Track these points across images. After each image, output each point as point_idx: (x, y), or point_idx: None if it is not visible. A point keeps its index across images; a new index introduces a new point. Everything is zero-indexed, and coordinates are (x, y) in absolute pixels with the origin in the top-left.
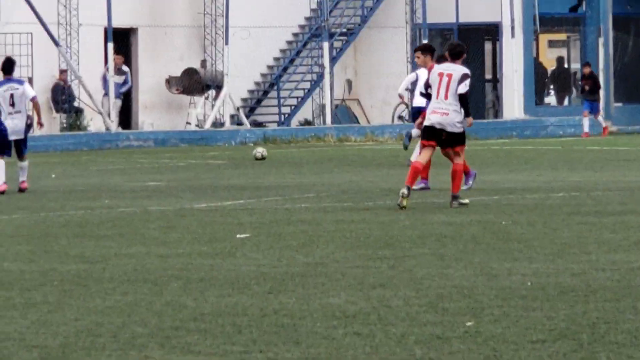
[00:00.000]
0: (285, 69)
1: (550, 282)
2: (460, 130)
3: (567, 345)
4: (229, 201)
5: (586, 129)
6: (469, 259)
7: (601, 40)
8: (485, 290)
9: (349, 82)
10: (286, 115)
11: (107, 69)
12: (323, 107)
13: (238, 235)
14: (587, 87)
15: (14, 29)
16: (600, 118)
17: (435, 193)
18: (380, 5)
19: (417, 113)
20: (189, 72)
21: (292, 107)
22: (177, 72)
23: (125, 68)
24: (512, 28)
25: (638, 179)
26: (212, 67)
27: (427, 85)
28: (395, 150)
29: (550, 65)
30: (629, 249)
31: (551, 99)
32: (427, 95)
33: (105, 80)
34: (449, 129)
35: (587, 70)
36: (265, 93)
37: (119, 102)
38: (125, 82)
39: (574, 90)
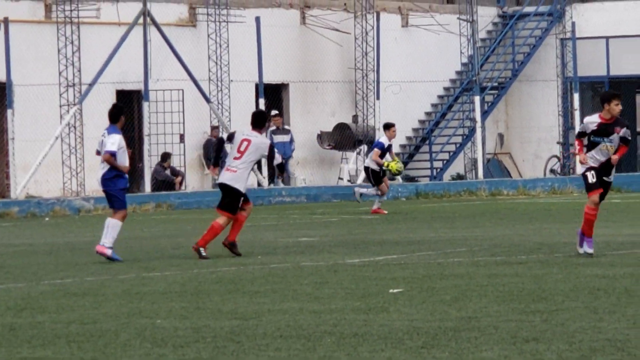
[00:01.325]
0: (437, 123)
1: None
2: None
3: None
4: (382, 256)
5: None
6: (622, 312)
7: None
8: (639, 343)
9: (501, 136)
10: (438, 170)
11: (267, 127)
12: (475, 161)
13: (391, 290)
14: None
15: (165, 86)
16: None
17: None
18: (531, 59)
19: None
20: (341, 127)
21: (444, 162)
22: (329, 127)
23: (287, 127)
24: None
25: None
26: (364, 122)
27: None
28: (548, 203)
29: None
30: None
31: None
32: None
33: None
34: None
35: None
36: (417, 147)
37: (280, 159)
38: (291, 141)
39: None
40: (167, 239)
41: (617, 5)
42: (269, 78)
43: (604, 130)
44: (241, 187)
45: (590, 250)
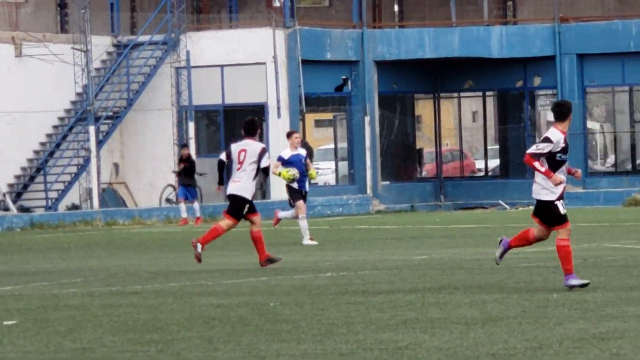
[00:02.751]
0: (51, 154)
1: None
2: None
3: None
4: None
5: (184, 214)
6: (237, 341)
7: (367, 119)
8: None
9: (116, 165)
10: (53, 200)
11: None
12: (90, 190)
13: (5, 322)
14: (180, 172)
15: None
16: (196, 205)
17: (204, 275)
18: (146, 87)
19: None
20: None
21: (60, 192)
22: None
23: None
24: (279, 108)
25: (405, 257)
26: None
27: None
28: (164, 232)
29: (319, 144)
30: (397, 328)
31: (318, 179)
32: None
33: None
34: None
35: (185, 152)
36: (32, 178)
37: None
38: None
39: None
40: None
41: (231, 34)
42: None
43: (567, 147)
44: (246, 194)
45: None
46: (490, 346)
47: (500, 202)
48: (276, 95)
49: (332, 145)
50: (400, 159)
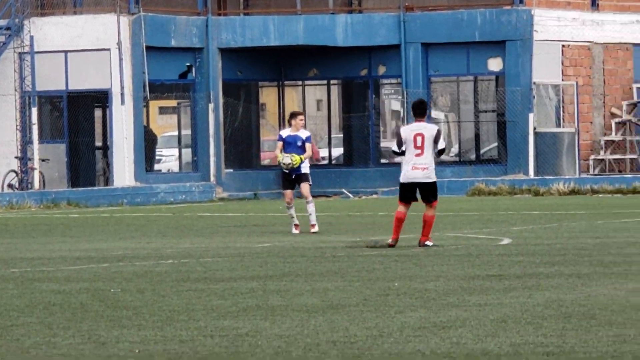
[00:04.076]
0: None
1: (158, 349)
2: None
3: None
4: None
5: None
6: (77, 327)
7: (211, 106)
8: (93, 358)
9: None
10: None
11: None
12: None
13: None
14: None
15: None
16: None
17: (45, 262)
18: None
19: None
20: None
21: None
22: None
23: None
24: (122, 95)
25: (247, 245)
26: None
27: None
28: (5, 218)
29: (162, 131)
30: (238, 315)
31: (161, 166)
32: None
33: None
34: None
35: None
36: None
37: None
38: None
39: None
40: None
41: (75, 19)
42: None
43: None
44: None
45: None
46: (330, 334)
47: (344, 190)
48: (120, 82)
49: (176, 133)
50: (244, 146)
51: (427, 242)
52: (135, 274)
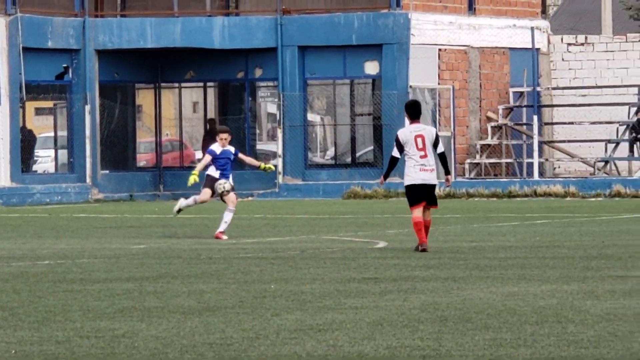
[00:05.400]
0: None
1: (34, 350)
2: None
3: None
4: None
5: None
6: None
7: (87, 108)
8: None
9: None
10: None
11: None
12: None
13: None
14: None
15: None
16: None
17: None
18: None
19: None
20: None
21: None
22: None
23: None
24: None
25: (123, 246)
26: None
27: None
28: None
29: (39, 132)
30: (114, 316)
31: (38, 167)
32: None
33: None
34: None
35: None
36: None
37: None
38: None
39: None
40: None
41: None
42: None
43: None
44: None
45: None
46: (207, 335)
47: None
48: None
49: (52, 134)
50: (120, 148)
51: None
52: (11, 274)
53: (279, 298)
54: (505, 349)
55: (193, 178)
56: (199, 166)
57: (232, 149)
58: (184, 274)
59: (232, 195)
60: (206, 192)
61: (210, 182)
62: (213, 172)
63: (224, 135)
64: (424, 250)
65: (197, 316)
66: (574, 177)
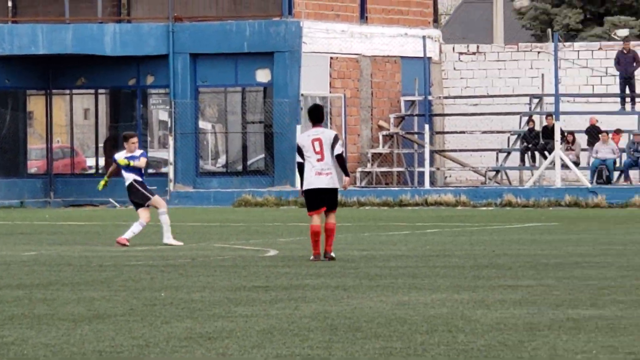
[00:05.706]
0: None
1: None
2: None
3: None
4: None
5: None
6: None
7: None
8: None
9: None
10: None
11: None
12: None
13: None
14: None
15: None
16: None
17: None
18: None
19: None
20: None
21: None
22: None
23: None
24: None
25: (13, 253)
26: None
27: None
28: None
29: None
30: (3, 323)
31: None
32: None
33: None
34: None
35: None
36: None
37: None
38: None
39: None
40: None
41: None
42: None
43: None
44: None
45: None
46: (97, 343)
47: (111, 200)
48: None
49: None
50: (11, 154)
51: (333, 254)
52: None
53: (169, 306)
54: (395, 358)
55: (102, 184)
56: (109, 171)
57: (137, 154)
58: (74, 281)
59: (156, 197)
60: (143, 211)
61: (139, 195)
62: (133, 178)
63: (134, 140)
64: (315, 260)
65: (87, 324)
66: (465, 187)
